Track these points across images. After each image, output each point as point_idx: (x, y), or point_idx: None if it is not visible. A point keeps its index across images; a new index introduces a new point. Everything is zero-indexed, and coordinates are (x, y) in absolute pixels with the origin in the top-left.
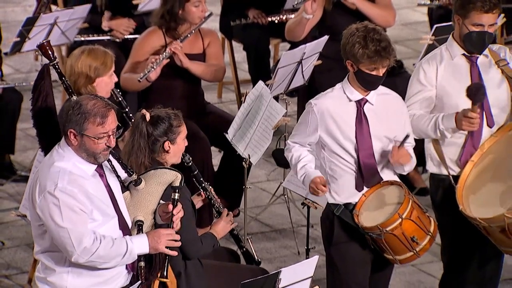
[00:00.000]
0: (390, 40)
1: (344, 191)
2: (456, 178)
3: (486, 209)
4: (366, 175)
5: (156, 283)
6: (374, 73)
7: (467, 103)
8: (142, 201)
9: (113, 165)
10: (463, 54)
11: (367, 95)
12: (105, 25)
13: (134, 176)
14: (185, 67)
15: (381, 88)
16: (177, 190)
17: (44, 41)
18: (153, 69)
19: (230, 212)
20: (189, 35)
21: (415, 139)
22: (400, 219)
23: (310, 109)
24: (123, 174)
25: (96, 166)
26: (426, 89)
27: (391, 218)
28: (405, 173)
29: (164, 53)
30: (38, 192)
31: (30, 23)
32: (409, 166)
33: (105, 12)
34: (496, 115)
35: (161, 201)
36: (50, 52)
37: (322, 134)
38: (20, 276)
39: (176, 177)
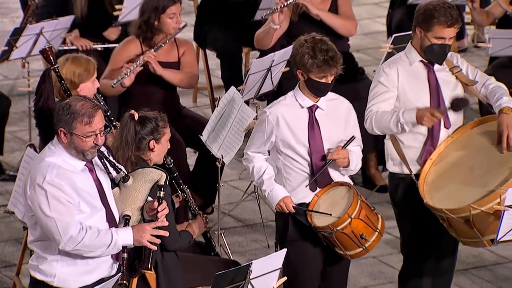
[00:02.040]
0: (336, 49)
1: (298, 192)
2: (417, 176)
3: (448, 200)
4: (318, 176)
5: (135, 280)
6: (323, 80)
7: (425, 106)
8: (129, 197)
9: (105, 163)
10: (421, 61)
11: (317, 101)
12: (68, 40)
13: (123, 173)
14: (158, 74)
15: (330, 94)
16: (162, 189)
17: (46, 46)
18: (126, 76)
19: (205, 215)
20: (163, 45)
21: (376, 139)
22: (349, 219)
23: (265, 117)
24: (115, 172)
25: (85, 162)
26: (389, 91)
27: (341, 218)
28: (353, 173)
29: (138, 61)
30: (29, 184)
31: (17, 33)
32: (353, 166)
33: (73, 31)
34: (452, 117)
35: (149, 198)
36: (51, 57)
37: (277, 139)
38: (9, 269)
39: (161, 176)
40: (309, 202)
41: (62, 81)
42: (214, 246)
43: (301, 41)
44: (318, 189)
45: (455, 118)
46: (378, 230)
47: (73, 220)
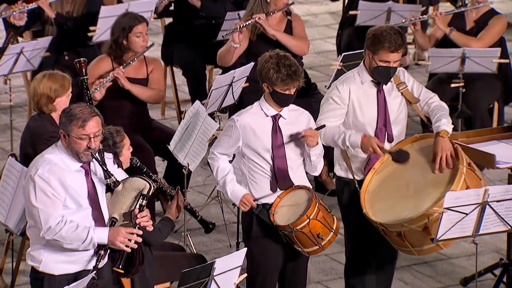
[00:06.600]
0: (298, 64)
1: (262, 193)
2: (360, 182)
3: (385, 213)
4: (279, 178)
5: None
6: (287, 92)
7: (372, 122)
8: (117, 202)
9: (104, 169)
10: (372, 81)
11: (280, 111)
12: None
13: (114, 179)
14: (126, 89)
15: (292, 106)
16: (144, 198)
17: (81, 59)
18: (97, 90)
19: (180, 192)
20: (131, 62)
21: (327, 150)
22: (308, 220)
23: (233, 124)
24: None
25: (81, 163)
26: (339, 107)
27: (301, 219)
28: (317, 174)
29: (108, 77)
30: (26, 174)
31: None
32: (318, 158)
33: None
34: (395, 132)
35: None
36: (84, 69)
37: (244, 144)
38: None
39: (145, 186)
40: (272, 203)
41: (88, 91)
42: (197, 213)
43: (266, 57)
44: (280, 191)
45: (398, 132)
46: (333, 230)
47: (55, 212)
